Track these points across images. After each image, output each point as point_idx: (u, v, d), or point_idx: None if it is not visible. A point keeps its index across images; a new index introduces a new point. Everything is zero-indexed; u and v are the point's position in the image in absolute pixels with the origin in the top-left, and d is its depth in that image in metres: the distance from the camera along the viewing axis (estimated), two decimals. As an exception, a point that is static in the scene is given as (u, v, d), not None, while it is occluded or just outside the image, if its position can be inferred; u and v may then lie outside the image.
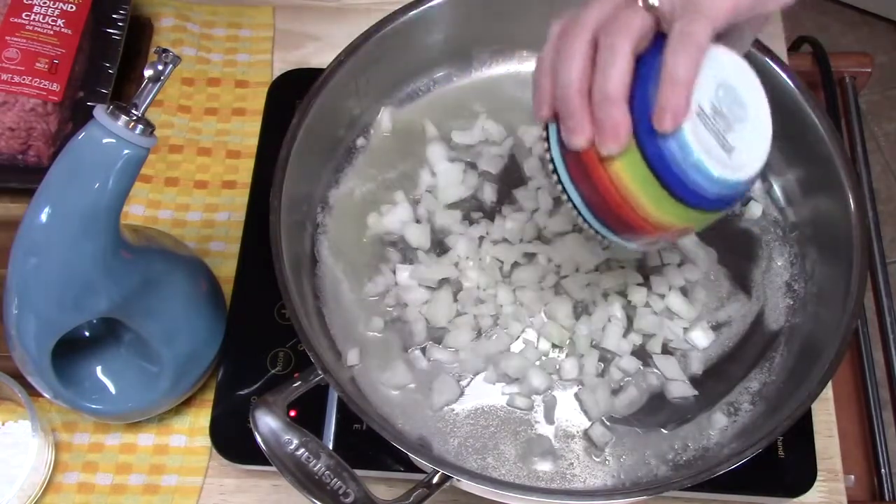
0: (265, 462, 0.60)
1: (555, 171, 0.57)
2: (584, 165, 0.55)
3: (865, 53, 1.00)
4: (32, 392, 0.71)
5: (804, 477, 0.70)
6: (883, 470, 0.80)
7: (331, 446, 0.71)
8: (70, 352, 0.69)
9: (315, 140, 0.74)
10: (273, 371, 0.75)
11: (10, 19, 0.84)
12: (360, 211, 0.78)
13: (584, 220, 0.58)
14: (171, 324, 0.70)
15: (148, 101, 0.58)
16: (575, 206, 0.57)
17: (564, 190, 0.57)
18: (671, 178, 0.54)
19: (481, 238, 0.76)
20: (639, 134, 0.53)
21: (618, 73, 0.52)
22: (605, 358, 0.72)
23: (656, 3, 0.52)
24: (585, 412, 0.70)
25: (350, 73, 0.76)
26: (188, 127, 0.90)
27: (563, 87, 0.53)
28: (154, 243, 0.70)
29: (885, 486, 0.80)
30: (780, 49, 0.91)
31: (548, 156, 0.57)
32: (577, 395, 0.71)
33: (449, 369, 0.72)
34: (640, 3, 0.53)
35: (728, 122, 0.55)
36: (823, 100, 0.92)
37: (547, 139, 0.57)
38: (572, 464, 0.69)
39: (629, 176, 0.54)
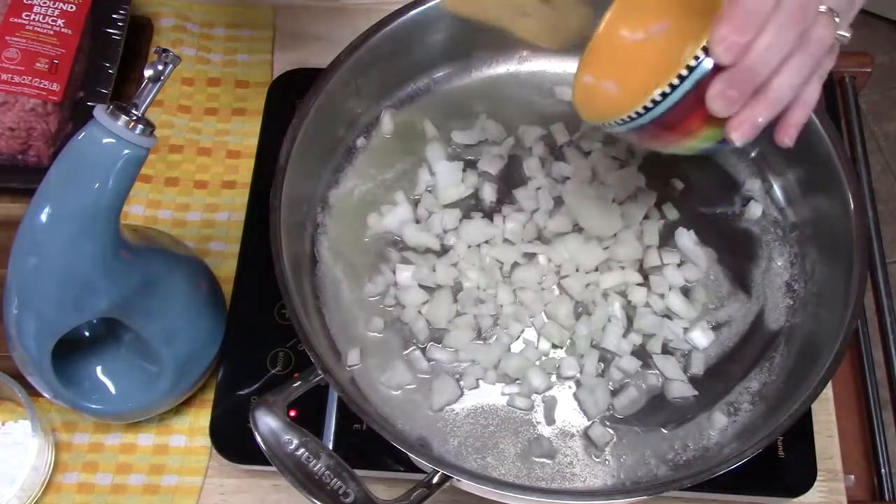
0: (265, 462, 0.60)
1: (674, 87, 0.54)
2: (697, 106, 0.54)
3: (865, 53, 1.00)
4: (32, 392, 0.71)
5: (804, 477, 0.70)
6: (883, 470, 0.80)
7: (331, 446, 0.71)
8: (70, 352, 0.69)
9: (315, 140, 0.74)
10: (273, 371, 0.75)
11: (10, 19, 0.84)
12: (360, 211, 0.78)
13: (633, 118, 0.56)
14: (171, 324, 0.70)
15: (148, 101, 0.58)
16: (645, 112, 0.55)
17: (658, 103, 0.54)
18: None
19: (481, 238, 0.76)
20: None
21: (796, 89, 0.53)
22: (605, 358, 0.72)
23: (844, 40, 0.55)
24: (585, 412, 0.70)
25: (350, 73, 0.76)
26: (188, 127, 0.90)
27: (762, 66, 0.51)
28: (154, 243, 0.70)
29: (885, 486, 0.80)
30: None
31: (683, 73, 0.53)
32: (576, 395, 0.71)
33: (449, 369, 0.72)
34: (835, 34, 0.53)
35: None
36: (823, 100, 0.92)
37: (695, 67, 0.53)
38: (572, 463, 0.69)
39: (709, 131, 0.55)
